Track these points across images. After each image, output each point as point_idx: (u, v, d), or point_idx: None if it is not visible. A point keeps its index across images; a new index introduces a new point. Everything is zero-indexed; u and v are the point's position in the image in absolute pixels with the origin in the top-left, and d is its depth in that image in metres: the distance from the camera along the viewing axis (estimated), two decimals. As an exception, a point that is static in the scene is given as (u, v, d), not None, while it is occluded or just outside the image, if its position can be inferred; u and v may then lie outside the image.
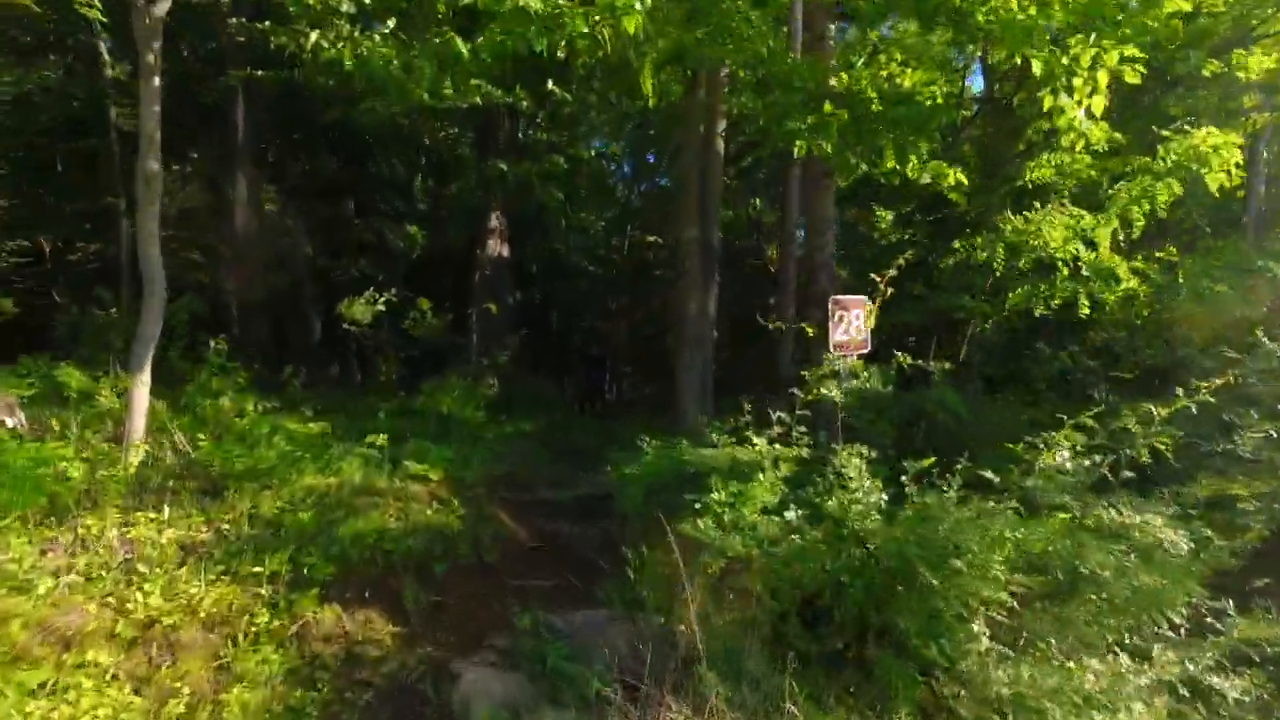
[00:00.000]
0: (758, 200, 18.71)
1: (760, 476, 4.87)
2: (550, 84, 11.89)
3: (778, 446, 5.10)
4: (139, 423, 5.90)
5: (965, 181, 5.85)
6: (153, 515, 5.19)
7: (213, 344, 6.89)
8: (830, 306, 6.49)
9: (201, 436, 6.36)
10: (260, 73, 13.37)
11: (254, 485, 5.81)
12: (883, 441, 6.73)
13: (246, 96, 17.25)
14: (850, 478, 4.74)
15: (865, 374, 6.56)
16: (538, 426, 10.93)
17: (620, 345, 29.58)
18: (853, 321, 6.56)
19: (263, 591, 4.67)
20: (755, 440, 5.65)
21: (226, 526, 5.29)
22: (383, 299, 10.91)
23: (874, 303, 6.82)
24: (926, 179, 6.40)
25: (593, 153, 16.60)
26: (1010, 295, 9.12)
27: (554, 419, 11.68)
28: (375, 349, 13.14)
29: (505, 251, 18.74)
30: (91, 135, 15.93)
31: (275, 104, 19.33)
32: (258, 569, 4.80)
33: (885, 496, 4.67)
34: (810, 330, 8.59)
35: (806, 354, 9.39)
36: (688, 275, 9.16)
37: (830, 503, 4.64)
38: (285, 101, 19.09)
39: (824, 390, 6.55)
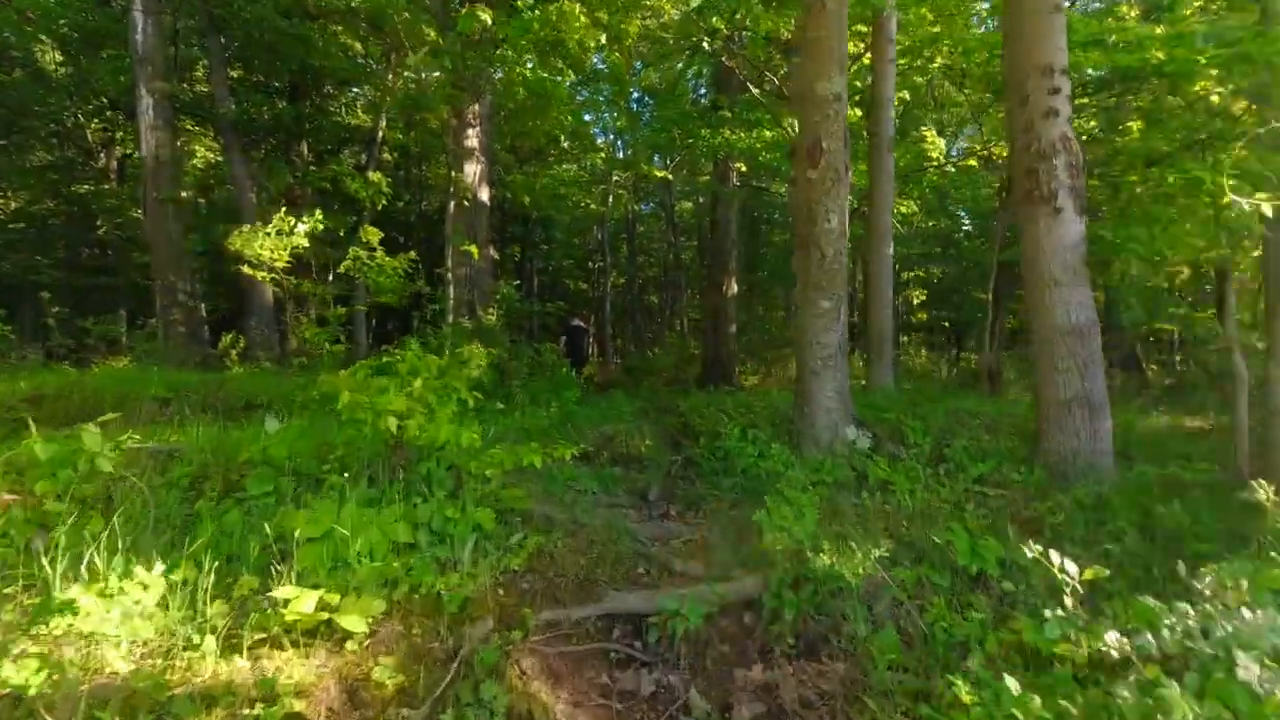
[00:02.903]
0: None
1: None
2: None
3: None
4: None
5: None
6: None
7: None
8: None
9: None
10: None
11: None
12: None
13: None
14: None
15: None
16: (553, 421, 6.42)
17: (604, 306, 24.83)
18: None
19: None
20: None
21: None
22: (307, 226, 6.22)
23: None
24: None
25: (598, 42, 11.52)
26: None
27: (570, 405, 7.19)
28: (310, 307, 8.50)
29: (485, 194, 13.95)
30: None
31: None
32: None
33: None
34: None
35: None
36: (826, 157, 4.68)
37: None
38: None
39: None
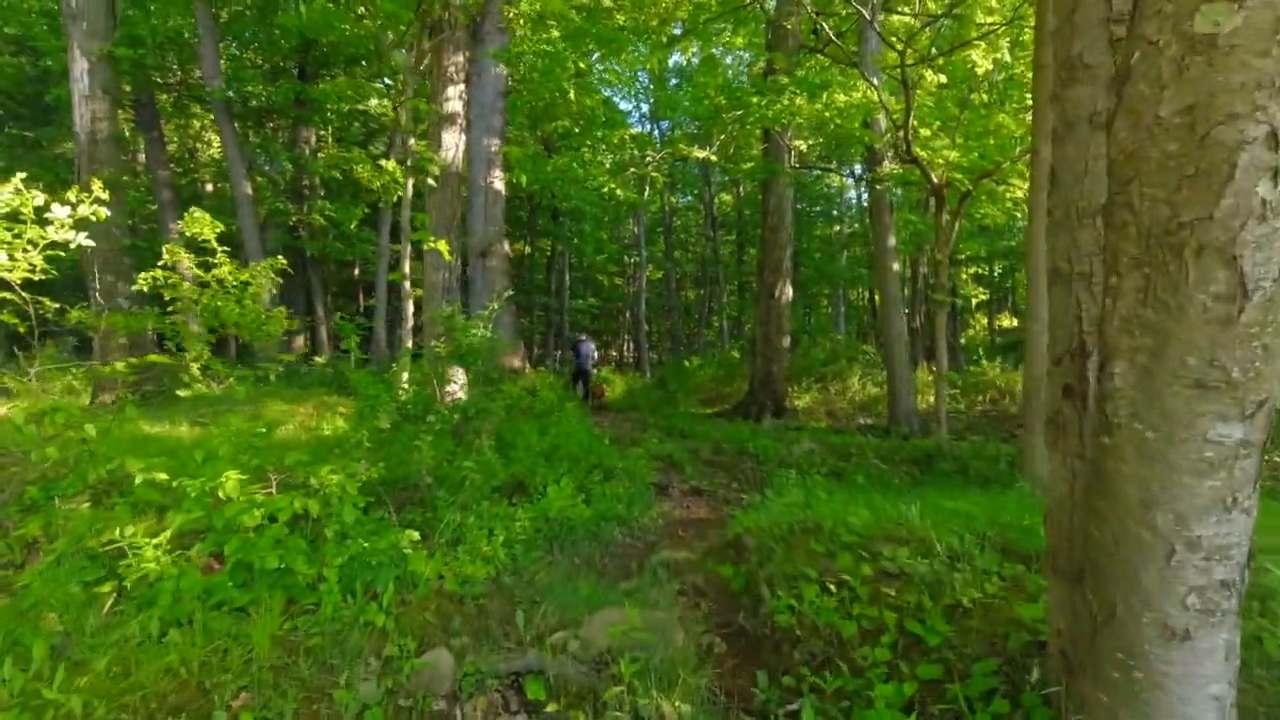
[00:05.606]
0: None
1: None
2: None
3: None
4: None
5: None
6: None
7: None
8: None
9: None
10: None
11: None
12: None
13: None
14: None
15: None
16: (485, 579, 3.21)
17: (639, 302, 21.40)
18: None
19: None
20: None
21: None
22: (73, 212, 3.16)
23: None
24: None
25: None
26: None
27: (559, 503, 4.03)
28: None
29: (498, 181, 10.84)
30: None
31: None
32: None
33: None
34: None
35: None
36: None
37: None
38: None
39: None
